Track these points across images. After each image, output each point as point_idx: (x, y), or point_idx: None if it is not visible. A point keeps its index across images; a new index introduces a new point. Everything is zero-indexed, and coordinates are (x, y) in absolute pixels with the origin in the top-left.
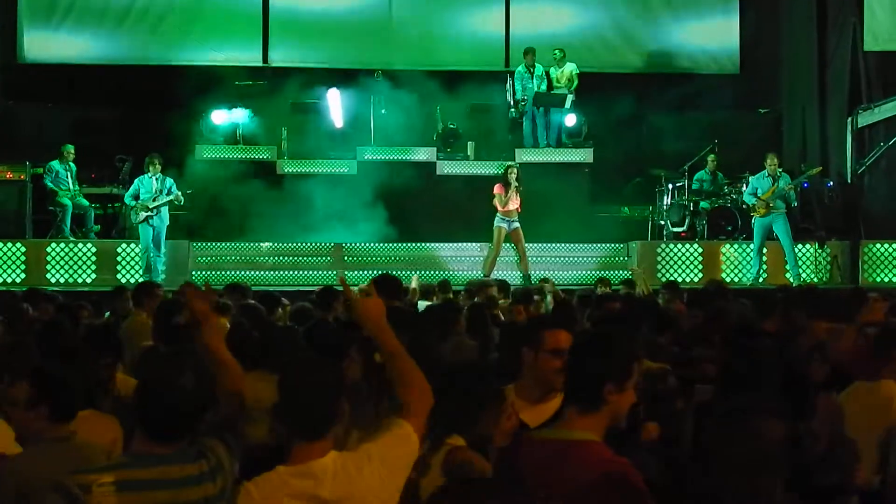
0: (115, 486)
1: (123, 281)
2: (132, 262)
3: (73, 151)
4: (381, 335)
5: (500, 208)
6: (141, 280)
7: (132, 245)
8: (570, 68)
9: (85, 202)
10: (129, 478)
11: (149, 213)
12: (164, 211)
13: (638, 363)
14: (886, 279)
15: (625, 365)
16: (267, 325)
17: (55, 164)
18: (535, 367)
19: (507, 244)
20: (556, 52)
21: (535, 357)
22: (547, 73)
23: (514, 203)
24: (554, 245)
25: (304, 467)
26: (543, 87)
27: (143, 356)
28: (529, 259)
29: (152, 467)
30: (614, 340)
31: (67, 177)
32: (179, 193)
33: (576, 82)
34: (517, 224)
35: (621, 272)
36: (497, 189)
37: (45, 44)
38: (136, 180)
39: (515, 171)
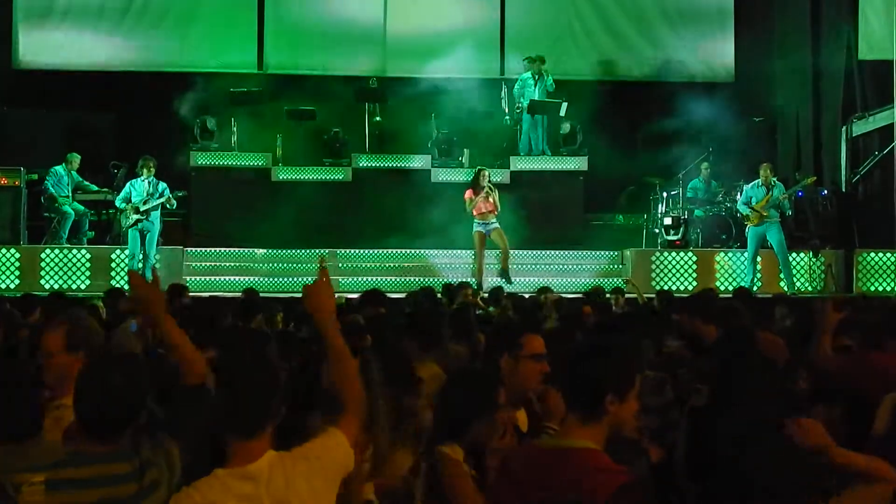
0: (44, 486)
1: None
2: (126, 269)
3: (78, 161)
4: (326, 328)
5: (473, 212)
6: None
7: (126, 251)
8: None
9: (81, 208)
10: (60, 477)
11: (139, 217)
12: (156, 216)
13: (640, 373)
14: (881, 288)
15: (626, 375)
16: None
17: (60, 169)
18: (516, 374)
19: (493, 250)
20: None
21: (514, 364)
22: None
23: (487, 206)
24: (548, 253)
25: (241, 470)
26: (551, 86)
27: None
28: (524, 267)
29: (85, 466)
30: (616, 350)
31: (68, 184)
32: (171, 196)
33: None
34: (495, 225)
35: (616, 280)
36: (466, 194)
37: (40, 49)
38: (127, 184)
39: (487, 174)
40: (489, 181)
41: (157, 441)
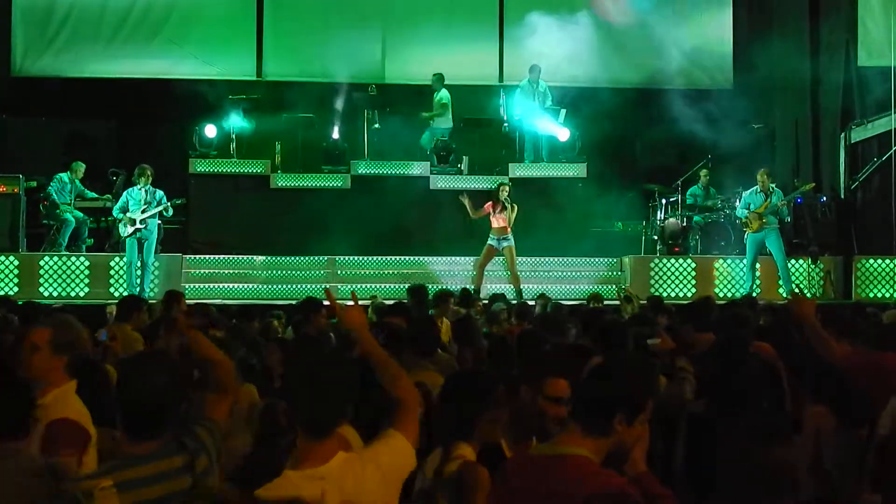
0: (115, 489)
1: (116, 295)
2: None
3: (83, 170)
4: (363, 339)
5: (473, 216)
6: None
7: (125, 259)
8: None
9: (81, 215)
10: (127, 478)
11: (136, 227)
12: (154, 223)
13: (653, 397)
14: (880, 294)
15: (640, 399)
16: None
17: (65, 176)
18: (531, 407)
19: (502, 257)
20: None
21: (532, 398)
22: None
23: (501, 221)
24: (547, 259)
25: (312, 471)
26: (548, 102)
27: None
28: (524, 273)
29: (145, 464)
30: (633, 372)
31: (71, 191)
32: (168, 204)
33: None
34: (508, 243)
35: (615, 287)
36: (486, 206)
37: (38, 57)
38: (125, 192)
39: (507, 188)
40: (507, 196)
41: (193, 432)
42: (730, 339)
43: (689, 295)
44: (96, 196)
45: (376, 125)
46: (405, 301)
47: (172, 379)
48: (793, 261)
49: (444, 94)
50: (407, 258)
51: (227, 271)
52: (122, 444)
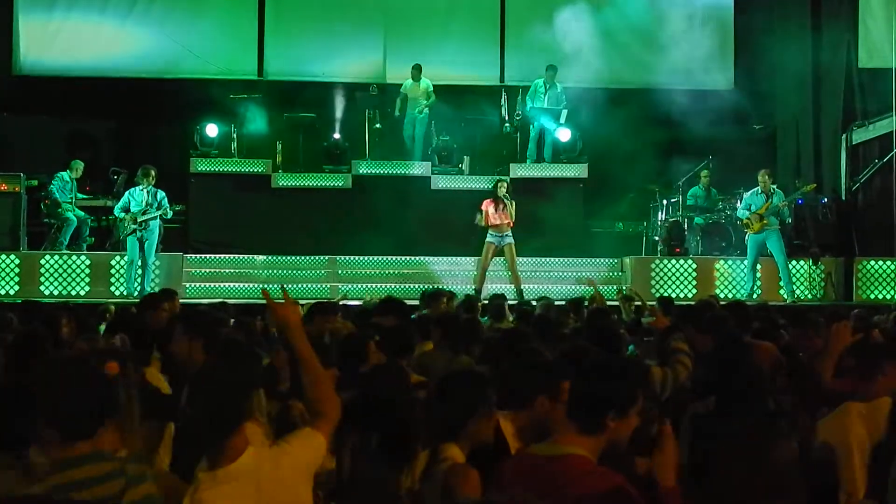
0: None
1: (117, 294)
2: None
3: (81, 169)
4: (295, 341)
5: (481, 223)
6: (126, 293)
7: (126, 257)
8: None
9: (82, 214)
10: (58, 483)
11: (136, 226)
12: (155, 223)
13: (643, 391)
14: (880, 296)
15: (630, 394)
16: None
17: (66, 175)
18: (552, 417)
19: (501, 258)
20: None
21: (553, 407)
22: None
23: (501, 218)
24: (548, 260)
25: (222, 471)
26: (562, 103)
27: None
28: (524, 273)
29: (76, 468)
30: (622, 369)
31: (71, 190)
32: (168, 208)
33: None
34: (509, 240)
35: (615, 288)
36: (483, 205)
37: (40, 56)
38: (126, 192)
39: (505, 185)
40: (506, 192)
41: (131, 436)
42: (729, 340)
43: (690, 296)
44: (84, 196)
45: (377, 125)
46: (394, 298)
47: (101, 380)
48: (794, 262)
49: (429, 82)
50: (408, 258)
51: (227, 270)
52: (54, 448)
